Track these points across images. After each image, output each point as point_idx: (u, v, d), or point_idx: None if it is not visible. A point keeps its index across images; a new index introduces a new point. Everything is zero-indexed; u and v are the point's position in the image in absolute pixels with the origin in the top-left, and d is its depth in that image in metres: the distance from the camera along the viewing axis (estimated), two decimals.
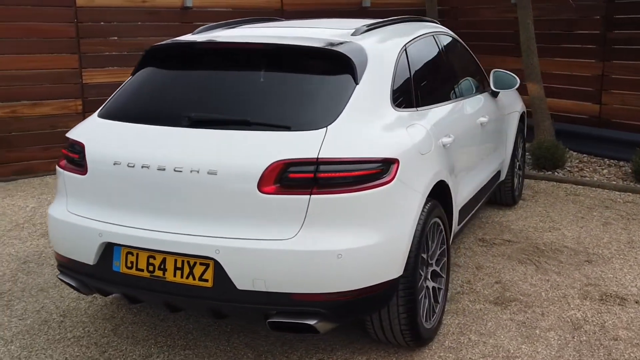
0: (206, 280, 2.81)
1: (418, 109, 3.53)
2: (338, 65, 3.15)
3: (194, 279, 2.82)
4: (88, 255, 3.04)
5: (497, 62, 8.43)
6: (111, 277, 3.01)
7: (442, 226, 3.49)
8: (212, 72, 3.34)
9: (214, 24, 3.93)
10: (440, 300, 3.54)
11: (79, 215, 3.09)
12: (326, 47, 3.17)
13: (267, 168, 2.73)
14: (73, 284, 3.17)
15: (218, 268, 2.78)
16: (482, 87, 4.93)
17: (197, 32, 3.83)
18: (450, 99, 4.08)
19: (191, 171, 2.81)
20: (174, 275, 2.85)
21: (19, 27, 6.90)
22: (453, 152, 3.70)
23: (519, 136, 5.77)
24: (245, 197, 2.75)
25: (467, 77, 4.71)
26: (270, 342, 3.44)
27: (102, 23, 7.36)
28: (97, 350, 3.40)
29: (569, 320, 3.69)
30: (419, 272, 3.15)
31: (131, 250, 2.93)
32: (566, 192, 6.21)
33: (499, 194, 5.61)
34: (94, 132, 3.20)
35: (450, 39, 4.62)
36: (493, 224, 5.32)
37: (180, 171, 2.83)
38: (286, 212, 2.74)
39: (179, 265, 2.84)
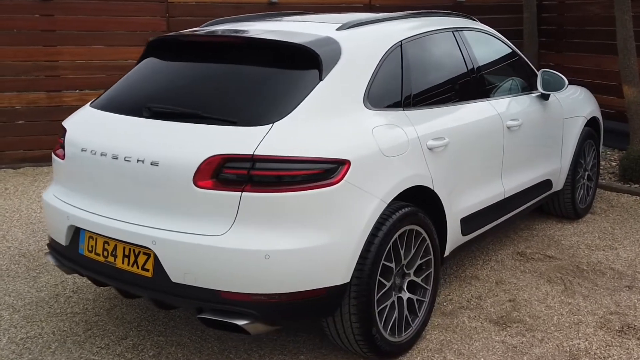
0: (147, 270, 2.86)
1: (406, 109, 3.33)
2: (303, 60, 3.06)
3: (137, 267, 2.88)
4: (62, 237, 3.21)
5: (605, 62, 7.76)
6: (78, 259, 3.16)
7: (425, 235, 3.28)
8: (180, 65, 3.39)
9: (222, 18, 3.96)
10: (420, 314, 3.33)
11: (57, 198, 3.27)
12: (291, 42, 3.09)
13: (203, 162, 2.72)
14: (54, 262, 3.36)
15: (156, 259, 2.81)
16: (526, 88, 4.55)
17: (203, 26, 3.89)
18: (462, 100, 3.80)
19: (137, 161, 2.87)
20: (122, 262, 2.93)
21: (115, 20, 7.41)
22: (448, 156, 3.46)
23: (588, 143, 5.26)
24: (181, 190, 2.76)
25: (502, 78, 4.37)
26: (241, 338, 3.44)
27: (190, 18, 7.69)
28: (84, 327, 3.59)
29: (568, 350, 3.32)
30: (376, 281, 2.98)
31: (92, 235, 3.05)
32: None
33: (555, 205, 5.16)
34: (79, 120, 3.37)
35: (484, 35, 4.31)
36: (542, 237, 4.91)
37: (129, 161, 2.89)
38: (219, 208, 2.72)
39: (126, 252, 2.92)
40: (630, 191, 5.95)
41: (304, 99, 2.91)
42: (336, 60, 3.08)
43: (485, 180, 3.89)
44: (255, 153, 2.69)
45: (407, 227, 3.14)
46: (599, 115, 5.48)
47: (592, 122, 5.36)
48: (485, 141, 3.85)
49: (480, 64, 4.05)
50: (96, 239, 3.03)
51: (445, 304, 3.81)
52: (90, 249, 3.06)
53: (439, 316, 3.65)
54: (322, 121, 2.91)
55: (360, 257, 2.90)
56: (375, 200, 2.93)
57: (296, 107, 2.87)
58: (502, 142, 4.00)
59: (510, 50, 4.55)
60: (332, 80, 3.02)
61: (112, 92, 3.41)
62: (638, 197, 5.85)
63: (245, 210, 2.68)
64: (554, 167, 4.79)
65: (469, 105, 3.83)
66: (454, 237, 3.62)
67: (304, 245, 2.72)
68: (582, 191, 5.29)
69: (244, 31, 3.42)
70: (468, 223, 3.73)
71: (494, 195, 3.98)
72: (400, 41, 3.47)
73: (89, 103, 3.49)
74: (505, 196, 4.10)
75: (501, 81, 4.34)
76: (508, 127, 4.04)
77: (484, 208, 3.87)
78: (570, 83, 5.80)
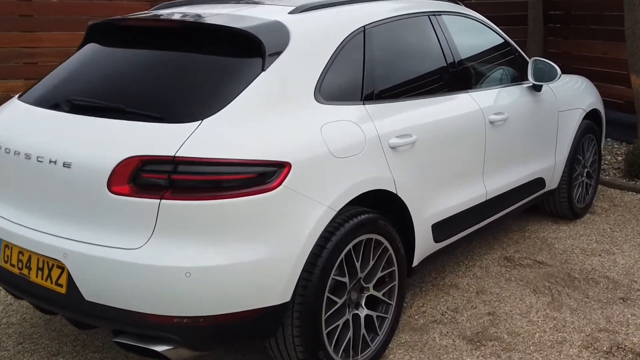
0: (61, 286, 2.52)
1: (366, 103, 2.96)
2: (244, 47, 2.69)
3: (51, 282, 2.55)
4: None
5: (615, 49, 7.28)
6: None
7: (386, 244, 2.92)
8: (117, 52, 3.02)
9: (178, 0, 3.59)
10: (381, 332, 2.98)
11: None
12: (230, 26, 2.72)
13: (118, 164, 2.37)
14: None
15: (69, 273, 2.48)
16: (516, 79, 4.15)
17: (155, 8, 3.53)
18: (437, 93, 3.42)
19: (50, 161, 2.52)
20: (36, 276, 2.60)
21: (97, 4, 7.08)
22: (416, 155, 3.08)
23: (587, 138, 4.84)
24: (95, 196, 2.42)
25: (488, 68, 3.98)
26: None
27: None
28: (16, 340, 3.27)
29: None
30: (324, 298, 2.63)
31: (8, 244, 2.72)
32: None
33: (551, 205, 4.76)
34: (3, 115, 3.03)
35: (467, 20, 3.91)
36: (534, 239, 4.52)
37: (41, 161, 2.55)
38: (136, 217, 2.37)
39: (40, 265, 2.59)
40: (635, 189, 5.52)
41: (241, 91, 2.55)
42: (283, 48, 2.72)
43: (463, 181, 3.51)
44: (177, 154, 2.34)
45: (364, 237, 2.78)
46: (600, 107, 5.06)
47: (592, 115, 4.95)
48: (463, 138, 3.46)
49: (461, 53, 3.65)
50: (12, 248, 2.70)
51: (417, 317, 3.45)
52: (6, 259, 2.74)
53: (408, 332, 3.29)
54: (261, 118, 2.55)
55: (305, 271, 2.54)
56: (322, 208, 2.57)
57: (231, 101, 2.51)
58: (483, 139, 3.62)
59: (498, 37, 4.14)
60: (276, 71, 2.65)
61: (42, 83, 3.06)
62: None
63: (165, 220, 2.34)
64: (547, 164, 4.38)
65: (445, 98, 3.44)
66: (425, 245, 3.25)
67: (233, 261, 2.37)
68: (580, 190, 4.88)
69: (188, 15, 3.06)
70: (441, 229, 3.36)
71: (474, 197, 3.60)
72: (364, 26, 3.09)
73: (17, 96, 3.15)
74: (488, 198, 3.72)
75: (487, 71, 3.94)
76: (491, 122, 3.65)
77: (462, 212, 3.49)
78: (572, 72, 5.40)
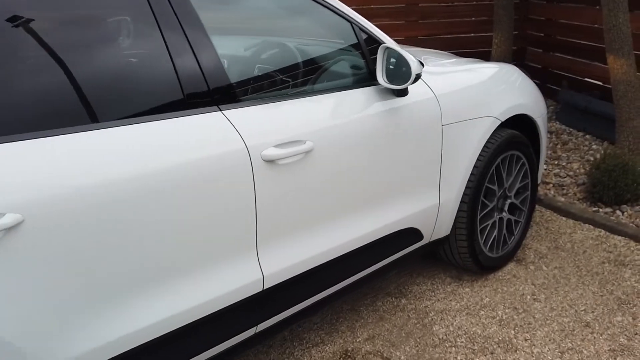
0: None
1: None
2: None
3: None
4: None
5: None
6: None
7: None
8: None
9: None
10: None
11: None
12: None
13: None
14: None
15: None
16: (364, 79, 2.62)
17: None
18: (116, 119, 1.88)
19: None
20: None
21: None
22: (49, 243, 1.62)
23: (509, 157, 3.29)
24: None
25: (292, 66, 2.46)
26: None
27: None
28: None
29: None
30: None
31: None
32: (613, 254, 3.58)
33: (447, 254, 3.27)
34: None
35: None
36: (408, 313, 3.03)
37: None
38: None
39: None
40: (593, 221, 3.93)
41: None
42: None
43: (194, 269, 2.02)
44: None
45: None
46: (535, 111, 3.45)
47: (523, 123, 3.39)
48: (187, 195, 1.95)
49: (204, 46, 2.09)
50: None
51: None
52: None
53: None
54: None
55: None
56: None
57: None
58: (251, 190, 2.10)
59: (324, 10, 2.55)
60: None
61: None
62: (602, 232, 3.83)
63: None
64: (421, 206, 2.86)
65: (136, 129, 1.90)
66: None
67: None
68: (496, 232, 3.35)
69: None
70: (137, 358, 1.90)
71: (231, 290, 2.11)
72: None
73: None
74: (267, 286, 2.23)
75: (284, 73, 2.41)
76: (269, 161, 2.13)
77: (179, 331, 2.01)
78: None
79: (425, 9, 6.53)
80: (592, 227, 3.90)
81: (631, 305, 3.08)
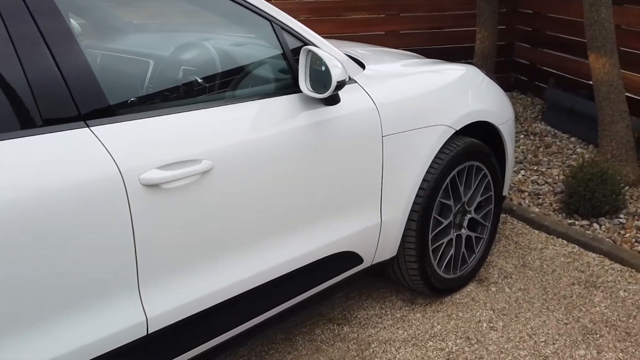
0: None
1: None
2: None
3: None
4: None
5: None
6: None
7: None
8: None
9: None
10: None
11: None
12: None
13: None
14: None
15: None
16: (286, 85, 2.31)
17: None
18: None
19: None
20: None
21: None
22: None
23: (467, 169, 2.98)
24: None
25: (187, 71, 2.15)
26: None
27: None
28: None
29: None
30: None
31: None
32: (585, 274, 3.26)
33: (397, 275, 2.97)
34: None
35: None
36: (340, 349, 2.72)
37: None
38: None
39: None
40: (567, 235, 3.61)
41: None
42: None
43: (57, 315, 1.72)
44: None
45: None
46: (497, 117, 3.13)
47: (487, 131, 3.09)
48: (40, 232, 1.64)
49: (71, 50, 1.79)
50: None
51: None
52: None
53: None
54: None
55: None
56: None
57: None
58: (127, 220, 1.80)
59: (238, 7, 2.24)
60: None
61: None
62: (576, 248, 3.51)
63: None
64: (360, 226, 2.55)
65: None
66: None
67: None
68: (453, 250, 3.03)
69: None
70: None
71: (105, 335, 1.82)
72: None
73: None
74: (152, 330, 1.92)
75: (182, 78, 2.10)
76: (150, 185, 1.83)
77: None
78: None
79: (406, 2, 6.19)
80: (565, 242, 3.58)
81: (597, 336, 2.76)
